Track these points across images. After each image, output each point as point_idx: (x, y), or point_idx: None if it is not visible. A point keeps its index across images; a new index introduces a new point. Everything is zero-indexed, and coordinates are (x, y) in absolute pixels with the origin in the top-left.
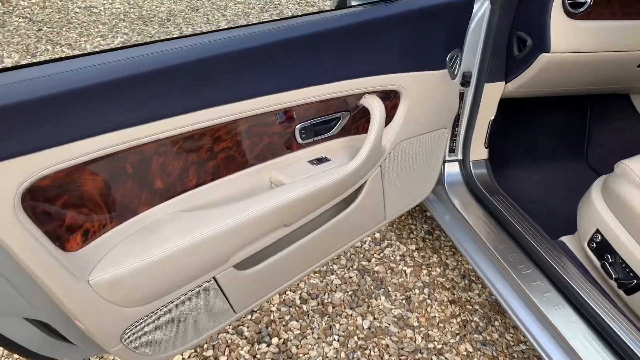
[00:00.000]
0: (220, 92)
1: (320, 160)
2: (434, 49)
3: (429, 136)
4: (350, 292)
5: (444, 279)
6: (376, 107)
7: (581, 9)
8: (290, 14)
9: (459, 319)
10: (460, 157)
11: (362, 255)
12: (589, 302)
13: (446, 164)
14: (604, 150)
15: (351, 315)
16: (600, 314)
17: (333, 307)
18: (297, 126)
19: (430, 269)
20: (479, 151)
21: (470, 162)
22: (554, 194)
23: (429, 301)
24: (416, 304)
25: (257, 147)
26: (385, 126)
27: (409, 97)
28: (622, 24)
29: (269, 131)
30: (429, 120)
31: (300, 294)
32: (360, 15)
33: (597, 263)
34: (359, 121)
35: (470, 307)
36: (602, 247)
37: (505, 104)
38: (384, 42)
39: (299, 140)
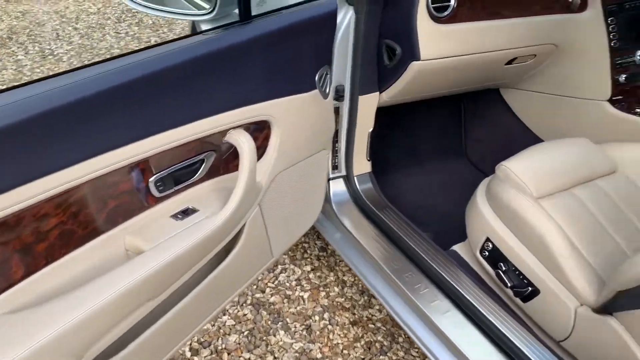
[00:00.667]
0: (39, 162)
1: (185, 213)
2: (301, 70)
3: (309, 161)
4: (246, 332)
5: (343, 299)
6: (244, 143)
7: (446, 13)
8: (151, 22)
9: (362, 342)
10: (344, 172)
11: (255, 287)
12: (488, 316)
13: (331, 182)
14: (481, 145)
15: (249, 359)
16: (499, 326)
17: (229, 354)
18: (151, 179)
19: (328, 289)
20: (361, 165)
21: (355, 178)
22: (441, 196)
23: (330, 327)
24: (317, 332)
25: (102, 213)
26: (259, 160)
27: (280, 125)
28: (487, 24)
29: (114, 193)
30: (307, 145)
31: (190, 344)
32: (214, 43)
33: (492, 272)
34: (228, 158)
35: (373, 326)
36: (495, 256)
37: (383, 111)
38: (244, 69)
39: (156, 193)
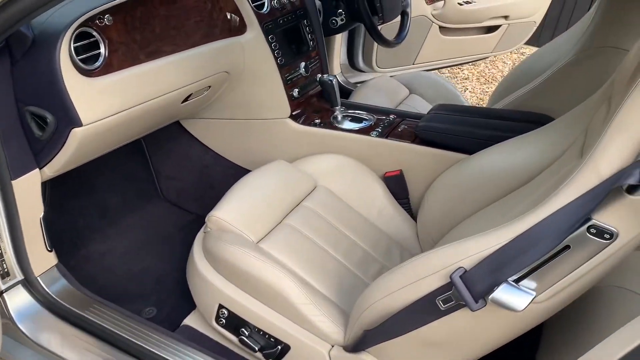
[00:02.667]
0: None
1: None
2: None
3: None
4: None
5: None
6: None
7: (97, 64)
8: None
9: None
10: (20, 277)
11: None
12: None
13: (5, 295)
14: (175, 182)
15: None
16: None
17: None
18: None
19: None
20: (43, 260)
21: (39, 279)
22: (151, 253)
23: None
24: None
25: None
26: None
27: None
28: (149, 67)
29: None
30: None
31: None
32: None
33: (235, 339)
34: None
35: None
36: (233, 322)
37: (52, 182)
38: None
39: None
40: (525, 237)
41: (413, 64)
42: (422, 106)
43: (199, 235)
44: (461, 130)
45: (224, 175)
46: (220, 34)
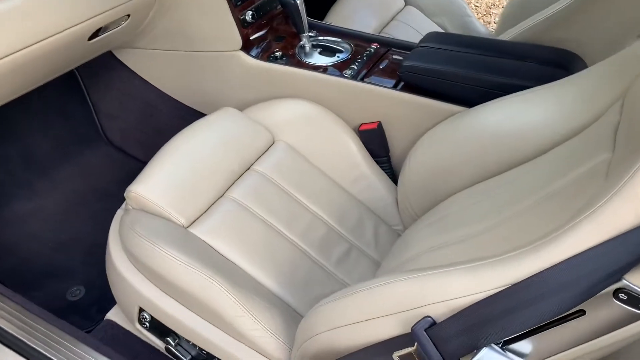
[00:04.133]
0: None
1: None
2: None
3: None
4: None
5: None
6: None
7: None
8: None
9: None
10: None
11: None
12: None
13: None
14: (119, 121)
15: None
16: None
17: None
18: None
19: None
20: None
21: None
22: (86, 218)
23: None
24: None
25: None
26: None
27: None
28: None
29: None
30: None
31: None
32: None
33: (162, 345)
34: None
35: None
36: (157, 328)
37: None
38: None
39: None
40: (524, 288)
41: None
42: (419, 24)
43: (118, 215)
44: (458, 73)
45: (172, 117)
46: None
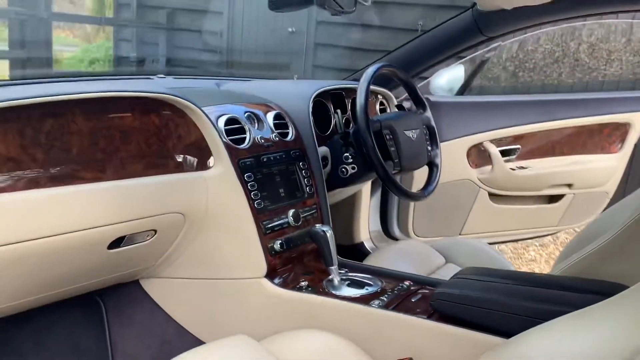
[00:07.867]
0: None
1: None
2: None
3: None
4: None
5: None
6: None
7: None
8: None
9: None
10: None
11: None
12: None
13: None
14: None
15: None
16: None
17: None
18: None
19: None
20: None
21: None
22: None
23: None
24: None
25: None
26: None
27: None
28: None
29: None
30: None
31: None
32: None
33: None
34: None
35: None
36: None
37: None
38: None
39: None
40: None
41: (459, 234)
42: None
43: None
44: (494, 300)
45: None
46: (175, 166)
